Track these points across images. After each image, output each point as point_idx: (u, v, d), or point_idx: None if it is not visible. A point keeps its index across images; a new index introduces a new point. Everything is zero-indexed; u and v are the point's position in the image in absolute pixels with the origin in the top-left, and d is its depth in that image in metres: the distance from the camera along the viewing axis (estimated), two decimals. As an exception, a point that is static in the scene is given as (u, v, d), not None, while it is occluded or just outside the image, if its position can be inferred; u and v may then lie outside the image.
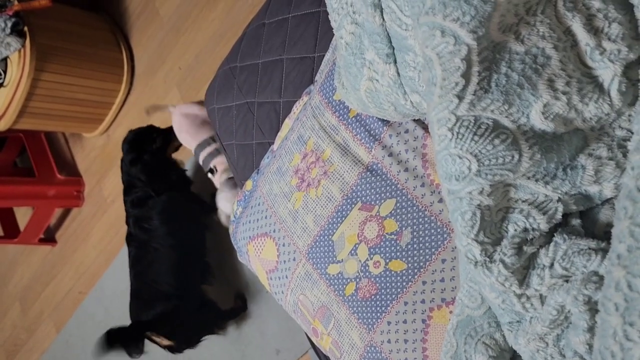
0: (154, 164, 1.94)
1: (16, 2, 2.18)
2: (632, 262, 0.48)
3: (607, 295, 0.49)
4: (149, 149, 1.95)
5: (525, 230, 0.58)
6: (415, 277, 0.77)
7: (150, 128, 2.02)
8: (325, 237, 0.87)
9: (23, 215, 2.98)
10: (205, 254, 1.95)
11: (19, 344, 3.11)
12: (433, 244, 0.76)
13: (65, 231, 2.91)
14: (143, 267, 1.87)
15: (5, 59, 2.25)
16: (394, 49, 0.68)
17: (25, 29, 2.20)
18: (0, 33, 2.18)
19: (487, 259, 0.58)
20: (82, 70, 2.39)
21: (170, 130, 1.98)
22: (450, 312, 0.72)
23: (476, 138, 0.56)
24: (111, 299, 2.59)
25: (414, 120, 0.80)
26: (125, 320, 2.46)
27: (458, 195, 0.59)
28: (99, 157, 2.74)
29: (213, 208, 1.89)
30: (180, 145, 2.01)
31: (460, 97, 0.56)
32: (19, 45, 2.18)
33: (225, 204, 1.77)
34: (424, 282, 0.76)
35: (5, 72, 2.25)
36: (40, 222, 2.76)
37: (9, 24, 2.17)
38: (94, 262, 2.72)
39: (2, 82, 2.26)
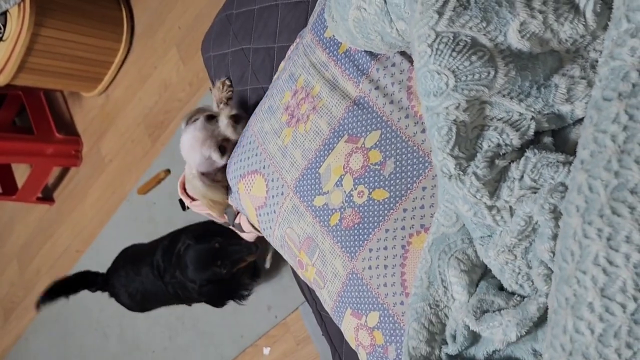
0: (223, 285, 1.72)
1: (17, -44, 2.18)
2: (594, 166, 0.50)
3: (570, 199, 0.52)
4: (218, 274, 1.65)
5: (499, 145, 0.61)
6: (397, 205, 0.80)
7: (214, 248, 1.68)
8: (313, 170, 0.90)
9: (21, 174, 3.01)
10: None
11: (17, 301, 3.16)
12: (415, 172, 0.79)
13: (62, 190, 2.94)
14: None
15: (4, 13, 2.25)
16: (381, -24, 0.70)
17: (26, -18, 2.20)
18: (0, -14, 2.18)
19: (461, 172, 0.60)
20: (81, 27, 2.39)
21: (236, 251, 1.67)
22: (429, 231, 0.75)
23: (454, 54, 0.58)
24: (107, 258, 2.62)
25: (401, 53, 0.82)
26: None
27: (435, 110, 0.61)
28: (98, 117, 2.75)
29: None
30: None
31: (440, 13, 0.58)
32: (19, -1, 2.18)
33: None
34: (404, 210, 0.79)
35: (4, 26, 2.26)
36: (38, 180, 2.78)
37: (9, -22, 2.18)
38: (90, 221, 2.75)
39: (2, 36, 2.27)
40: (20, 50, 2.25)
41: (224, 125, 1.10)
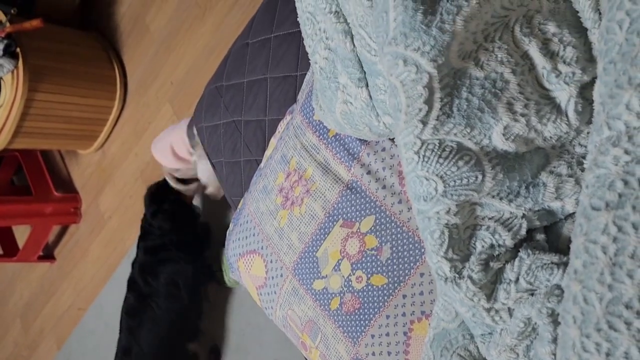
0: (174, 213, 1.98)
1: (8, 25, 2.22)
2: (587, 277, 0.50)
3: (566, 308, 0.52)
4: (168, 199, 1.99)
5: (492, 246, 0.61)
6: (396, 291, 0.80)
7: (166, 180, 2.03)
8: (310, 253, 0.90)
9: (21, 234, 3.01)
10: (200, 318, 2.01)
11: (21, 361, 3.13)
12: (412, 258, 0.79)
13: (63, 248, 2.94)
14: (135, 323, 1.92)
15: (-2, 81, 2.28)
16: (365, 73, 0.71)
17: (18, 50, 2.23)
18: (-7, 55, 2.21)
19: (457, 275, 0.61)
20: (75, 88, 2.42)
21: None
22: (430, 325, 0.74)
23: (441, 160, 0.59)
24: (110, 315, 2.61)
25: (390, 139, 0.83)
26: (125, 335, 2.48)
27: (427, 215, 0.61)
28: (95, 174, 2.76)
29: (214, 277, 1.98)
30: (195, 192, 2.04)
31: (424, 122, 0.59)
32: (12, 67, 2.21)
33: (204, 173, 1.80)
34: (404, 296, 0.79)
35: (-1, 93, 2.29)
36: (39, 239, 2.78)
37: (1, 46, 2.20)
38: (92, 278, 2.74)
39: (-4, 104, 2.29)
40: (15, 116, 2.27)
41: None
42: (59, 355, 2.89)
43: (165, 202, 1.98)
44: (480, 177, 0.59)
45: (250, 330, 2.03)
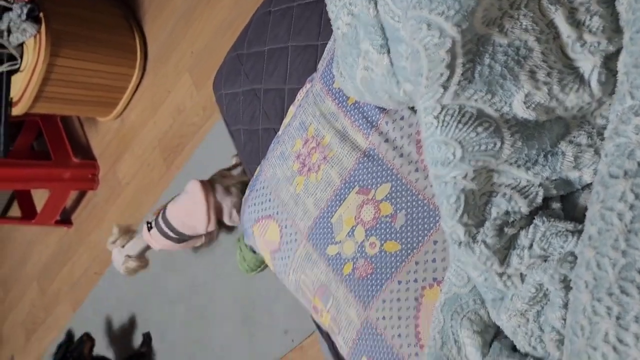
0: None
1: (31, -11, 2.23)
2: (602, 243, 0.51)
3: (579, 274, 0.53)
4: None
5: (507, 213, 0.62)
6: (409, 257, 0.81)
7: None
8: (325, 219, 0.91)
9: (40, 198, 3.06)
10: None
11: (38, 322, 3.22)
12: (426, 226, 0.80)
13: (80, 213, 2.99)
14: None
15: (21, 45, 2.30)
16: (387, 40, 0.71)
17: (41, 15, 2.25)
18: (17, 19, 2.23)
19: (471, 240, 0.61)
20: (96, 55, 2.44)
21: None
22: (441, 290, 0.76)
23: (460, 126, 0.59)
24: (125, 279, 2.66)
25: (409, 107, 0.83)
26: (139, 298, 2.55)
27: (443, 179, 0.62)
28: (114, 141, 2.80)
29: None
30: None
31: (445, 87, 0.59)
32: (35, 31, 2.23)
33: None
34: (416, 263, 0.80)
35: (21, 57, 2.31)
36: (57, 204, 2.84)
37: (25, 10, 2.23)
38: (108, 244, 2.79)
39: (19, 67, 2.32)
40: (37, 80, 2.30)
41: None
42: (74, 317, 2.96)
43: None
44: (499, 143, 0.59)
45: (260, 301, 2.06)
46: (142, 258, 2.03)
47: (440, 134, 0.60)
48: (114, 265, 2.10)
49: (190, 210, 1.81)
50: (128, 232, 2.03)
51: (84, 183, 2.82)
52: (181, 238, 1.90)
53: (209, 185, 1.79)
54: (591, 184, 0.62)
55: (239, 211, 1.77)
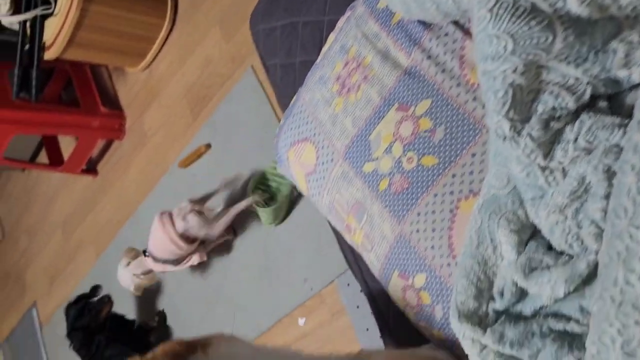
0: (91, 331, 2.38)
1: None
2: (650, 126, 0.52)
3: (625, 158, 0.54)
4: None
5: (554, 109, 0.63)
6: (446, 170, 0.83)
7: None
8: (362, 137, 0.93)
9: (67, 147, 3.12)
10: None
11: (60, 268, 3.30)
12: (465, 139, 0.81)
13: (106, 163, 3.04)
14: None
15: (55, -12, 2.33)
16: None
17: (76, -41, 2.27)
18: (52, -38, 2.25)
19: (516, 134, 0.63)
20: (128, 2, 2.46)
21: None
22: (479, 193, 0.77)
23: (513, 19, 0.60)
24: (148, 228, 2.71)
25: (454, 23, 0.84)
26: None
27: (492, 74, 0.63)
28: (141, 92, 2.83)
29: None
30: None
31: (500, -21, 0.60)
32: (69, -25, 2.25)
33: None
34: (453, 175, 0.82)
35: (55, 1, 2.34)
36: (83, 152, 2.89)
37: (60, -46, 2.25)
38: (132, 194, 2.84)
39: (53, 11, 2.34)
40: (70, 24, 2.32)
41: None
42: (96, 265, 3.03)
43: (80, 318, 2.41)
44: (550, 37, 0.60)
45: (280, 250, 2.09)
46: (148, 274, 2.33)
47: (493, 28, 0.61)
48: (120, 284, 2.38)
49: (158, 242, 2.09)
50: (131, 253, 2.33)
51: (111, 132, 2.87)
52: (176, 259, 2.15)
53: (166, 217, 2.05)
54: (639, 84, 0.63)
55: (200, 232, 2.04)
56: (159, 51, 2.70)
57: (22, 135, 2.79)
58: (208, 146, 2.41)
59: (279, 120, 2.12)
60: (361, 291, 1.91)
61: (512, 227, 0.68)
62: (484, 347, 0.67)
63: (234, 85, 2.35)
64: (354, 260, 1.16)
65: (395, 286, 0.89)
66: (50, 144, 3.08)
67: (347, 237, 1.01)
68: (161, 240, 2.06)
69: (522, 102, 0.63)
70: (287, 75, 1.29)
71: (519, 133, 0.63)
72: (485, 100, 0.65)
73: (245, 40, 2.28)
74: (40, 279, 3.48)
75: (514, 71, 0.62)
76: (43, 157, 3.22)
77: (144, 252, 2.20)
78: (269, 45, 1.33)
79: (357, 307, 1.89)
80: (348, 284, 1.92)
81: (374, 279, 1.08)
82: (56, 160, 3.03)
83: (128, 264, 2.31)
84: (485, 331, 0.66)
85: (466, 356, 0.76)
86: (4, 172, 3.80)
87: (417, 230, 0.85)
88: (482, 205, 0.71)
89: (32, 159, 3.30)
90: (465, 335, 0.68)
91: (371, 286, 1.13)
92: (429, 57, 0.86)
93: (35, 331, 3.39)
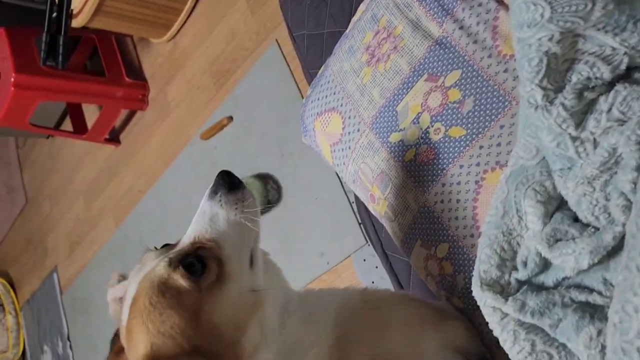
0: None
1: None
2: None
3: (659, 128, 0.54)
4: None
5: (588, 79, 0.62)
6: (473, 142, 0.83)
7: None
8: (390, 108, 0.93)
9: (90, 117, 3.16)
10: None
11: (82, 235, 3.37)
12: (494, 111, 0.81)
13: (128, 133, 3.08)
14: None
15: (84, -44, 2.34)
16: None
17: None
18: None
19: (548, 104, 0.63)
20: (155, -27, 2.47)
21: None
22: (507, 164, 0.77)
23: (552, -14, 0.60)
24: (167, 199, 2.76)
25: (488, -8, 0.83)
26: (179, 218, 2.64)
27: (527, 42, 0.63)
28: (165, 64, 2.84)
29: None
30: None
31: (540, -55, 0.59)
32: (99, -57, 2.26)
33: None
34: (480, 147, 0.82)
35: (84, -31, 2.35)
36: (107, 121, 2.92)
37: None
38: (153, 164, 2.88)
39: (81, -21, 2.36)
40: (97, -8, 2.34)
41: None
42: (116, 232, 3.09)
43: None
44: (590, 5, 0.60)
45: (299, 224, 2.11)
46: None
47: (530, -6, 0.61)
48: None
49: None
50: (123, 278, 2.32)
51: (134, 103, 2.90)
52: None
53: None
54: (676, 58, 0.62)
55: None
56: (184, 23, 2.71)
57: (47, 103, 2.83)
58: (230, 119, 2.42)
59: (302, 95, 2.16)
60: (377, 267, 1.94)
61: (539, 198, 0.68)
62: (504, 315, 0.67)
63: (258, 58, 2.35)
64: (374, 232, 1.17)
65: (417, 256, 0.90)
66: (75, 112, 3.12)
67: (371, 207, 1.02)
68: None
69: (556, 71, 0.63)
70: (314, 46, 1.29)
71: (551, 102, 0.63)
72: (519, 69, 0.65)
73: (271, 14, 2.28)
74: (61, 244, 3.56)
75: (550, 39, 0.61)
76: (67, 126, 3.27)
77: None
78: (297, 15, 1.33)
79: (372, 282, 1.91)
80: (364, 260, 1.94)
81: (394, 250, 1.09)
82: (80, 129, 3.08)
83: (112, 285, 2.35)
84: (506, 300, 0.67)
85: (485, 324, 0.77)
86: (29, 139, 3.86)
87: (442, 201, 0.86)
88: (510, 176, 0.71)
89: (56, 127, 3.35)
90: (486, 303, 0.69)
91: (391, 259, 1.14)
92: (461, 27, 0.85)
93: (56, 295, 3.48)
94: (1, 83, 2.54)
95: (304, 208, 2.10)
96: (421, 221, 0.89)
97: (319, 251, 2.06)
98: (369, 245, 1.90)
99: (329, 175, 2.01)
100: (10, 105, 2.51)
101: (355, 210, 1.97)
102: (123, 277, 2.40)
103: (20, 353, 3.75)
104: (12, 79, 2.44)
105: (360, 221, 1.92)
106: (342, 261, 2.00)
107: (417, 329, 0.80)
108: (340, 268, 2.01)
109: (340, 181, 1.99)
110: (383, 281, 1.46)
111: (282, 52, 2.24)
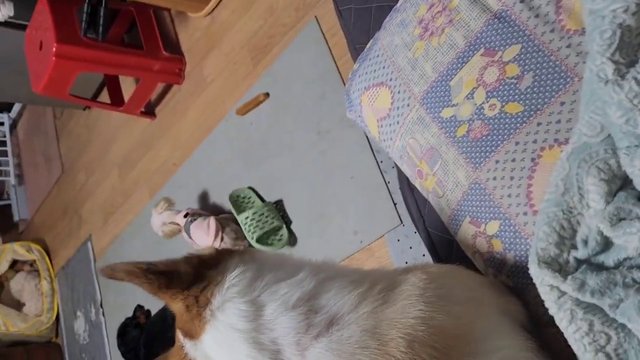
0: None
1: None
2: None
3: None
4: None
5: (664, 53, 0.60)
6: (531, 118, 0.81)
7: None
8: (443, 82, 0.92)
9: (127, 90, 3.19)
10: None
11: (116, 205, 3.43)
12: (554, 87, 0.79)
13: (164, 107, 3.10)
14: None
15: None
16: None
17: None
18: None
19: (619, 78, 0.61)
20: (196, -55, 2.46)
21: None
22: (561, 151, 0.76)
23: (631, -45, 0.58)
24: (202, 172, 2.78)
25: (553, -35, 0.81)
26: (213, 192, 2.67)
27: (601, 13, 0.61)
28: (202, 38, 2.85)
29: None
30: None
31: None
32: None
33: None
34: (538, 124, 0.80)
35: (126, -60, 2.36)
36: (144, 94, 2.95)
37: None
38: (189, 138, 2.90)
39: (123, -49, 2.37)
40: (138, -35, 2.35)
41: None
42: (150, 204, 3.13)
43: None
44: (669, -24, 0.57)
45: (335, 201, 2.11)
46: (174, 227, 2.54)
47: (607, -36, 0.59)
48: (152, 227, 2.63)
49: (202, 240, 2.30)
50: (168, 202, 2.57)
51: (171, 77, 2.91)
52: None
53: (219, 228, 2.26)
54: None
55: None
56: (223, -3, 2.71)
57: (85, 75, 2.86)
58: (267, 95, 2.42)
59: (340, 73, 2.14)
60: (411, 248, 1.93)
61: (603, 176, 0.66)
62: (562, 294, 0.67)
63: (297, 35, 2.33)
64: (416, 209, 1.16)
65: (465, 232, 0.89)
66: (112, 85, 3.16)
67: (417, 183, 1.01)
68: (204, 242, 2.30)
69: (629, 45, 0.61)
70: (361, 20, 1.27)
71: (622, 77, 0.61)
72: (589, 42, 0.63)
73: (311, -11, 2.26)
74: (95, 214, 3.63)
75: (625, 11, 0.59)
76: (104, 98, 3.31)
77: (187, 214, 2.42)
78: (345, -11, 1.32)
79: (406, 262, 1.90)
80: (398, 240, 1.94)
81: (438, 228, 1.08)
82: (117, 101, 3.11)
83: (160, 213, 2.55)
84: (565, 278, 0.66)
85: (535, 303, 0.76)
86: (66, 110, 3.93)
87: (494, 178, 0.84)
88: (572, 153, 0.70)
89: (94, 99, 3.40)
90: (543, 281, 0.68)
91: (433, 237, 1.13)
92: (522, 1, 0.83)
93: (89, 263, 3.57)
94: (43, 53, 2.58)
95: (339, 186, 2.10)
96: (471, 198, 0.88)
97: (353, 229, 2.06)
98: (403, 225, 1.89)
99: (365, 154, 2.00)
100: (51, 75, 2.55)
101: (391, 190, 1.95)
102: (171, 203, 2.58)
103: (54, 317, 3.87)
104: (54, 49, 2.47)
105: (395, 202, 1.91)
106: (376, 240, 2.00)
107: (478, 291, 0.80)
108: (374, 247, 2.01)
109: (377, 160, 1.98)
110: (417, 262, 1.45)
111: (321, 29, 2.22)
